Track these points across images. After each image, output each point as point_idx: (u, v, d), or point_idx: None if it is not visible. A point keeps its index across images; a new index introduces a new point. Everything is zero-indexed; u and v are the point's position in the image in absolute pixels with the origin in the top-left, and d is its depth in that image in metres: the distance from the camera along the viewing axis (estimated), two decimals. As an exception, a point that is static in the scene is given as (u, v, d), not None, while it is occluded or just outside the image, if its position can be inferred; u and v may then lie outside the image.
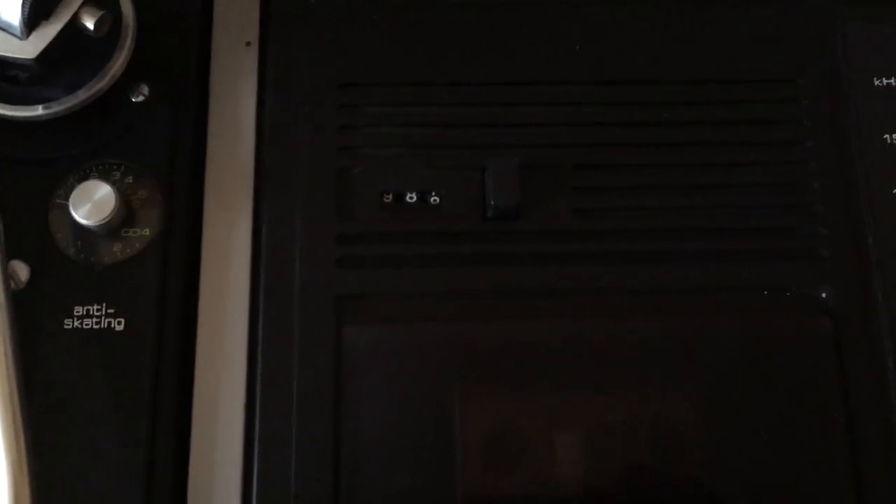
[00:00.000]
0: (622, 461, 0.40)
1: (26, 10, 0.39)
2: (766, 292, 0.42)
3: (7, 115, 0.41)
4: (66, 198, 0.40)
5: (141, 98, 0.43)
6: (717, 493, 0.40)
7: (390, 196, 0.43)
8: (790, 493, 0.40)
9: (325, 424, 0.39)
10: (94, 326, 0.40)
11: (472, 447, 0.39)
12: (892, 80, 0.45)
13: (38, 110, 0.41)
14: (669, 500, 0.40)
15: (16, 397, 0.33)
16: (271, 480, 0.39)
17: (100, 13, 0.41)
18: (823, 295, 0.42)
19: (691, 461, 0.40)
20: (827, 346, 0.41)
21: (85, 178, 0.41)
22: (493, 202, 0.42)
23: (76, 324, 0.40)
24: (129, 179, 0.42)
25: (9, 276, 0.36)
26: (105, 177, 0.42)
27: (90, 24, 0.40)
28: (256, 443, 0.40)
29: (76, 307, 0.40)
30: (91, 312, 0.40)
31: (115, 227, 0.41)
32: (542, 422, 0.40)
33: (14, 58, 0.40)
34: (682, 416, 0.40)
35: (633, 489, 0.40)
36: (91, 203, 0.40)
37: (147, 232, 0.41)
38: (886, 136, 0.44)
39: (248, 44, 0.45)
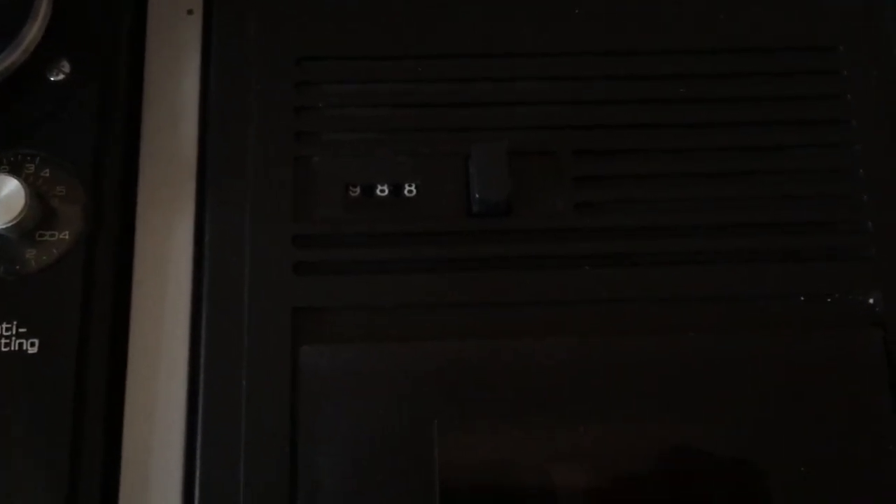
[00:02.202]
0: (640, 501, 0.36)
1: None
2: (802, 298, 0.38)
3: None
4: (-32, 197, 0.37)
5: (61, 76, 0.39)
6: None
7: (357, 189, 0.39)
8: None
9: (279, 464, 0.35)
10: (3, 349, 0.36)
11: (453, 491, 0.35)
12: (949, 47, 0.41)
13: (-64, 91, 0.37)
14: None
15: None
16: None
17: (-5, -30, 0.37)
18: (871, 301, 0.38)
19: (720, 497, 0.36)
20: (876, 361, 0.37)
21: (-8, 171, 0.38)
22: (478, 195, 0.38)
23: (-19, 346, 0.36)
24: (46, 173, 0.38)
25: None
26: (16, 170, 0.37)
27: (-18, -16, 0.36)
28: (197, 489, 0.35)
29: (-19, 326, 0.36)
30: (-1, 332, 0.36)
31: (28, 229, 0.37)
32: (538, 459, 0.36)
33: None
34: (704, 451, 0.36)
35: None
36: (-4, 201, 0.36)
37: (67, 235, 0.37)
38: (943, 113, 0.40)
39: (189, 12, 0.42)
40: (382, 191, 0.39)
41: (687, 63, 0.40)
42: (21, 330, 0.36)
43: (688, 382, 0.36)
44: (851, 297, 0.38)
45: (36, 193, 0.36)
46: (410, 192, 0.39)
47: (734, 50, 0.40)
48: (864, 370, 0.37)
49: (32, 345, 0.35)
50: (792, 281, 0.38)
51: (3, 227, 0.35)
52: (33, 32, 0.38)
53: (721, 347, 0.37)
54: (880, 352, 0.37)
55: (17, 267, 0.36)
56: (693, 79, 0.40)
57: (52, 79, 0.38)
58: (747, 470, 0.36)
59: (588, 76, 0.40)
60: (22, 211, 0.35)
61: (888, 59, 0.40)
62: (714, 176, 0.39)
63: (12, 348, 0.35)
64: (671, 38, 0.40)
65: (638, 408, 0.36)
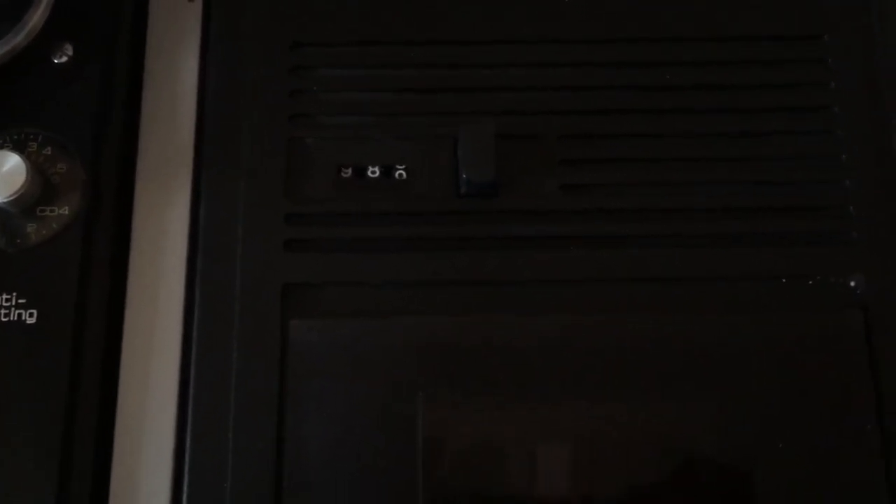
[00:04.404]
0: (619, 479, 0.36)
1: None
2: (784, 280, 0.38)
3: None
4: (-28, 172, 0.37)
5: (64, 59, 0.39)
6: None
7: (349, 170, 0.39)
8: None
9: (267, 435, 0.36)
10: (3, 319, 0.36)
11: (437, 464, 0.35)
12: (932, 37, 0.41)
13: (-57, 70, 0.37)
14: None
15: None
16: (204, 501, 0.35)
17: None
18: (853, 283, 0.38)
19: (701, 479, 0.36)
20: (857, 341, 0.37)
21: (-3, 149, 0.38)
22: (465, 175, 0.38)
23: (-19, 316, 0.36)
24: (48, 151, 0.38)
25: None
26: (19, 147, 0.38)
27: (-13, -34, 0.36)
28: (188, 456, 0.36)
29: (-19, 297, 0.36)
30: (-1, 303, 0.36)
31: (29, 204, 0.37)
32: (521, 436, 0.36)
33: None
34: (688, 428, 0.36)
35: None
36: (-1, 176, 0.36)
37: (66, 211, 0.37)
38: (926, 100, 0.40)
39: (190, -1, 0.42)
40: (373, 172, 0.39)
41: (673, 50, 0.40)
42: (20, 301, 0.36)
43: (670, 361, 0.36)
44: (833, 280, 0.38)
45: (37, 170, 0.37)
46: (400, 174, 0.39)
47: (720, 38, 0.40)
48: (845, 350, 0.37)
49: (31, 315, 0.36)
50: (775, 263, 0.38)
51: (5, 200, 0.36)
52: (37, 16, 0.38)
53: (705, 327, 0.37)
54: (861, 332, 0.37)
55: (18, 240, 0.37)
56: (679, 66, 0.40)
57: (55, 61, 0.39)
58: (729, 446, 0.36)
59: (574, 63, 0.40)
60: (23, 186, 0.36)
61: (871, 49, 0.40)
62: (699, 160, 0.39)
63: (11, 318, 0.36)
64: (657, 26, 0.40)
65: (619, 385, 0.36)
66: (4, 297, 0.36)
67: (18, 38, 0.38)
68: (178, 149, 0.39)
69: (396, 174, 0.39)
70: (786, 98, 0.40)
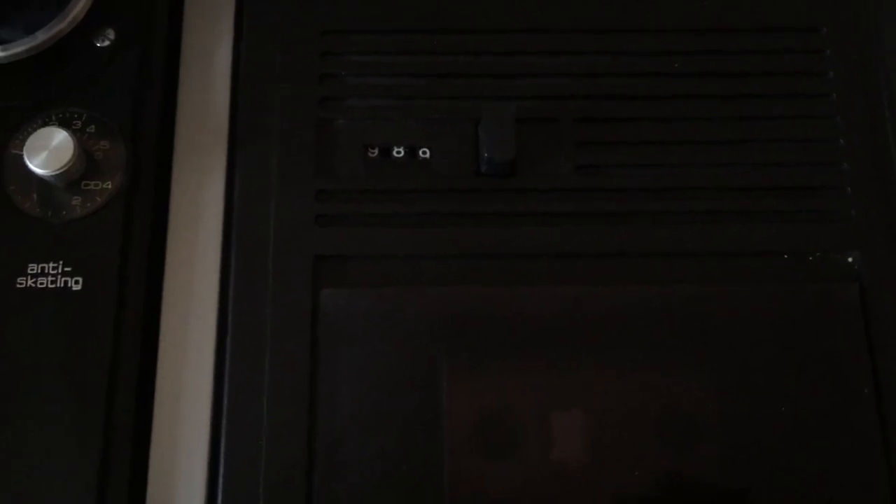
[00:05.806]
0: (627, 444, 0.37)
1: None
2: (786, 256, 0.40)
3: (-41, 57, 0.39)
4: (22, 147, 0.38)
5: (106, 43, 0.41)
6: (735, 477, 0.37)
7: (375, 150, 0.41)
8: (815, 475, 0.37)
9: (300, 399, 0.37)
10: (50, 286, 0.37)
11: (460, 427, 0.37)
12: (925, 29, 0.42)
13: (-6, 51, 0.39)
14: (681, 486, 0.37)
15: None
16: (240, 459, 0.37)
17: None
18: (850, 259, 0.40)
19: (706, 443, 0.37)
20: (854, 315, 0.39)
21: (43, 126, 0.39)
22: (486, 155, 0.40)
23: (30, 282, 0.37)
24: (92, 129, 0.40)
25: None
26: (65, 125, 0.39)
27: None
28: (224, 419, 0.37)
29: (30, 264, 0.38)
30: (46, 270, 0.38)
31: (75, 178, 0.39)
32: (539, 400, 0.37)
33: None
34: (695, 394, 0.38)
35: (640, 475, 0.37)
36: (47, 151, 0.38)
37: (109, 185, 0.39)
38: (919, 88, 0.41)
39: (224, -13, 0.43)
40: (398, 152, 0.40)
41: (683, 40, 0.42)
42: (66, 269, 0.37)
43: (678, 331, 0.38)
44: (832, 256, 0.39)
45: (82, 146, 0.38)
46: (424, 154, 0.40)
47: (727, 29, 0.42)
48: (843, 322, 0.38)
49: (76, 283, 0.37)
50: (777, 240, 0.39)
51: (53, 174, 0.37)
52: (81, 4, 0.40)
53: (711, 299, 0.38)
54: (858, 305, 0.38)
55: (64, 212, 0.38)
56: (688, 55, 0.41)
57: (98, 45, 0.40)
58: (730, 414, 0.37)
59: (589, 50, 0.41)
60: (70, 160, 0.37)
61: (867, 40, 0.42)
62: (705, 143, 0.40)
63: (58, 285, 0.37)
64: (668, 17, 0.42)
65: (630, 353, 0.38)
66: (51, 265, 0.37)
67: (63, 24, 0.39)
68: (213, 129, 0.41)
69: (420, 154, 0.40)
70: (787, 86, 0.41)
